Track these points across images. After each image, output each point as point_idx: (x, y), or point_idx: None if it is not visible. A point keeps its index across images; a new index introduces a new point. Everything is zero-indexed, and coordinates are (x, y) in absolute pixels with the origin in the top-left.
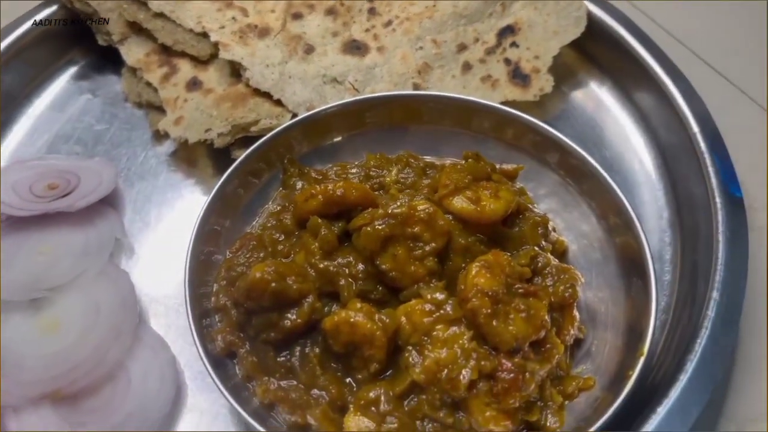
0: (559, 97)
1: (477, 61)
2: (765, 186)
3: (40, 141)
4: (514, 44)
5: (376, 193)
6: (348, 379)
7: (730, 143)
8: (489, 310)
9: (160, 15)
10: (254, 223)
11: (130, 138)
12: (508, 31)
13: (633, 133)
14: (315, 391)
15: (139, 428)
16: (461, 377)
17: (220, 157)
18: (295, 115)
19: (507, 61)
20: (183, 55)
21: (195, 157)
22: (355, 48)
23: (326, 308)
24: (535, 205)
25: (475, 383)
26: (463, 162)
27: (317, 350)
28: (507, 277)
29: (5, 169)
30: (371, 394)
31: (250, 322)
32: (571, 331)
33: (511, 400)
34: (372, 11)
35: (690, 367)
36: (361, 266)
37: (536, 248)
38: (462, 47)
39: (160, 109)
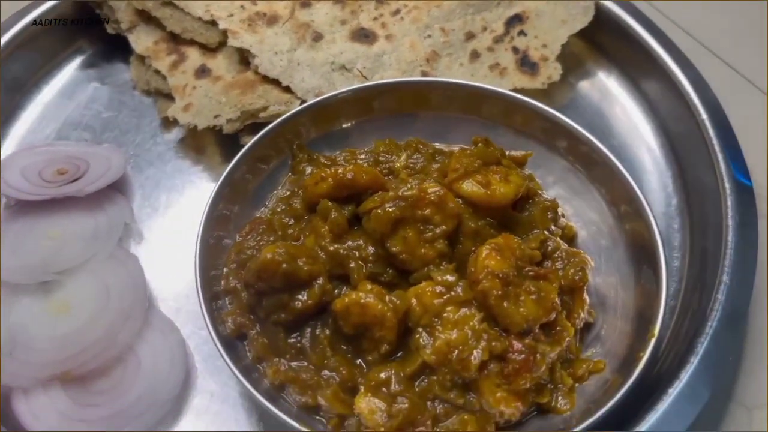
0: (566, 87)
1: (485, 49)
2: None
3: (49, 128)
4: (522, 33)
5: (386, 178)
6: (358, 361)
7: (737, 132)
8: (499, 292)
9: (169, 3)
10: (263, 208)
11: (138, 125)
12: (516, 19)
13: (641, 121)
14: (325, 373)
15: (149, 410)
16: (472, 358)
17: (227, 144)
18: (303, 102)
19: (515, 50)
20: (191, 43)
21: (203, 144)
22: (364, 36)
23: (336, 291)
24: (544, 191)
25: (486, 364)
26: (473, 148)
27: (327, 332)
28: (517, 260)
29: (14, 155)
30: (382, 375)
31: (260, 303)
32: (581, 315)
33: (522, 381)
34: (380, 0)
35: (701, 349)
36: (371, 249)
37: (546, 232)
38: (470, 36)
39: (168, 97)
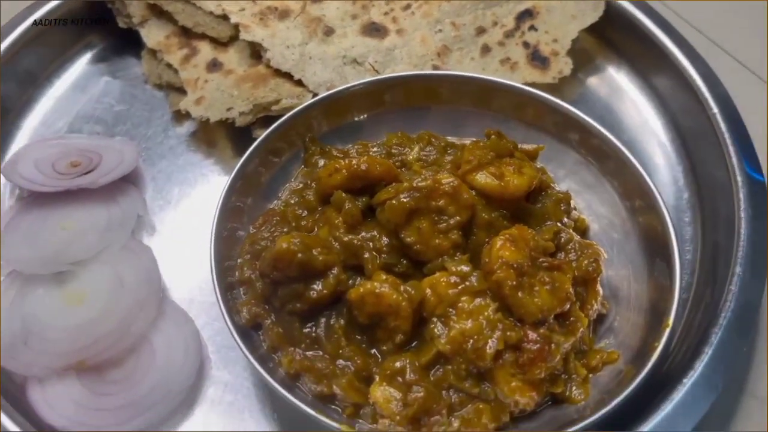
0: (576, 82)
1: (496, 43)
2: None
3: (61, 121)
4: (532, 28)
5: (399, 170)
6: (373, 351)
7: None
8: (514, 282)
9: None
10: (276, 200)
11: (150, 119)
12: (527, 14)
13: (651, 116)
14: (340, 362)
15: (164, 399)
16: (487, 347)
17: (239, 138)
18: (315, 95)
19: (526, 44)
20: (203, 37)
21: (214, 138)
22: (375, 30)
23: (350, 281)
24: (555, 184)
25: (501, 354)
26: (485, 140)
27: (342, 321)
28: (531, 250)
29: (28, 147)
30: (397, 364)
31: (275, 293)
32: (595, 306)
33: (537, 370)
34: None
35: (714, 340)
36: (385, 240)
37: (559, 224)
38: (481, 30)
39: (180, 90)
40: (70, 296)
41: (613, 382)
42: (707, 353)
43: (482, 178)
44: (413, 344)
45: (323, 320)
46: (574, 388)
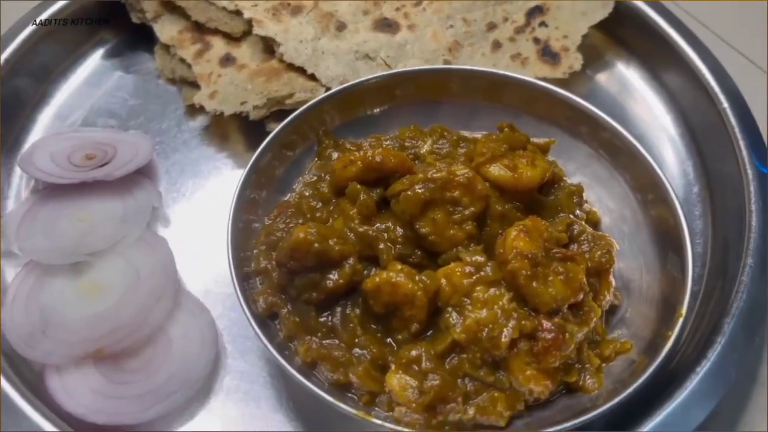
0: (585, 78)
1: (506, 39)
2: None
3: (75, 115)
4: (542, 24)
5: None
6: (388, 340)
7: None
8: (528, 272)
9: None
10: (290, 193)
11: (163, 113)
12: (537, 11)
13: (660, 111)
14: (356, 351)
15: (181, 388)
16: (502, 336)
17: (251, 132)
18: (328, 89)
19: (536, 40)
20: (216, 32)
21: (227, 132)
22: (386, 26)
23: (366, 272)
24: (567, 178)
25: (516, 342)
26: (498, 134)
27: (358, 311)
28: (545, 241)
29: (43, 140)
30: (413, 353)
31: (291, 282)
32: (608, 297)
33: (551, 359)
34: None
35: (727, 330)
36: (399, 231)
37: (571, 216)
38: (491, 26)
39: (193, 85)
40: (87, 286)
41: (626, 371)
42: (720, 342)
43: (496, 170)
44: (428, 333)
45: (339, 310)
46: (587, 377)
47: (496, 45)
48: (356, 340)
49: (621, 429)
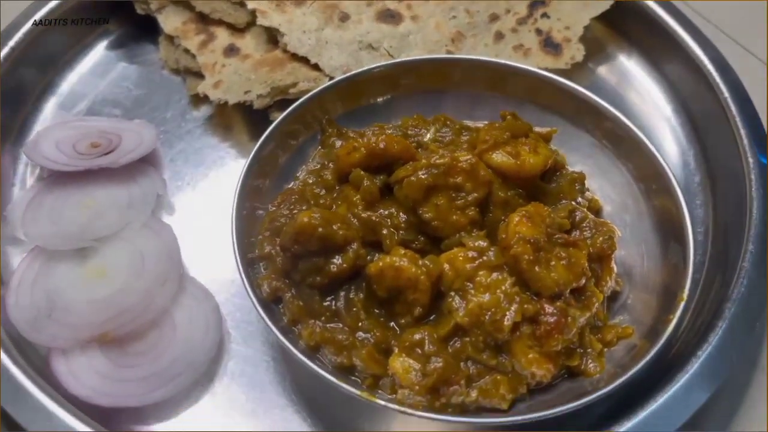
0: (587, 70)
1: (509, 30)
2: None
3: (80, 105)
4: (545, 15)
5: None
6: (391, 324)
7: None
8: (531, 257)
9: None
10: (294, 181)
11: (167, 103)
12: (539, 2)
13: (662, 102)
14: (360, 334)
15: (186, 371)
16: (505, 320)
17: (255, 122)
18: (332, 79)
19: (538, 31)
20: (220, 23)
21: (231, 122)
22: (389, 16)
23: (369, 257)
24: (569, 167)
25: (518, 326)
26: (500, 122)
27: (361, 295)
28: (547, 227)
29: (49, 128)
30: (416, 336)
31: (296, 267)
32: (609, 282)
33: (554, 342)
34: None
35: (728, 315)
36: (403, 216)
37: (573, 203)
38: (494, 17)
39: (197, 75)
40: (92, 271)
41: (627, 356)
42: (721, 327)
43: (498, 157)
44: (431, 318)
45: (343, 294)
46: (589, 361)
47: (499, 36)
48: (359, 323)
49: (622, 412)
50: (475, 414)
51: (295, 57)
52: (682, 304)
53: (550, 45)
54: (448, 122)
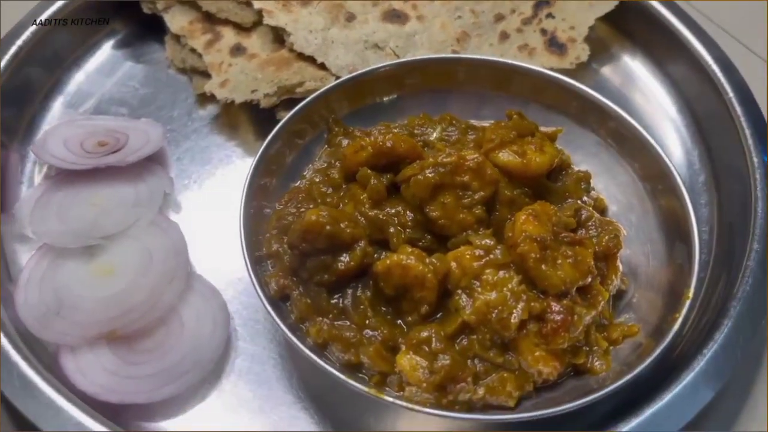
0: (591, 71)
1: (514, 30)
2: None
3: (87, 104)
4: (549, 15)
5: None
6: (398, 322)
7: None
8: (537, 255)
9: None
10: (301, 179)
11: (174, 102)
12: (544, 3)
13: (666, 102)
14: (367, 332)
15: (193, 369)
16: (512, 317)
17: (261, 121)
18: (338, 78)
19: (543, 31)
20: (226, 22)
21: (237, 122)
22: (395, 16)
23: (376, 255)
24: (574, 166)
25: (525, 324)
26: (506, 121)
27: (368, 293)
28: (553, 225)
29: (56, 127)
30: (423, 334)
31: (303, 265)
32: (615, 281)
33: (560, 340)
34: None
35: (734, 313)
36: (409, 215)
37: (579, 202)
38: (499, 17)
39: (204, 74)
40: (100, 269)
41: (632, 354)
42: (727, 325)
43: (505, 156)
44: (438, 316)
45: (350, 292)
46: (595, 359)
47: (504, 36)
48: (367, 321)
49: (628, 410)
50: (482, 411)
51: (302, 56)
52: (687, 303)
53: (555, 45)
54: (454, 121)
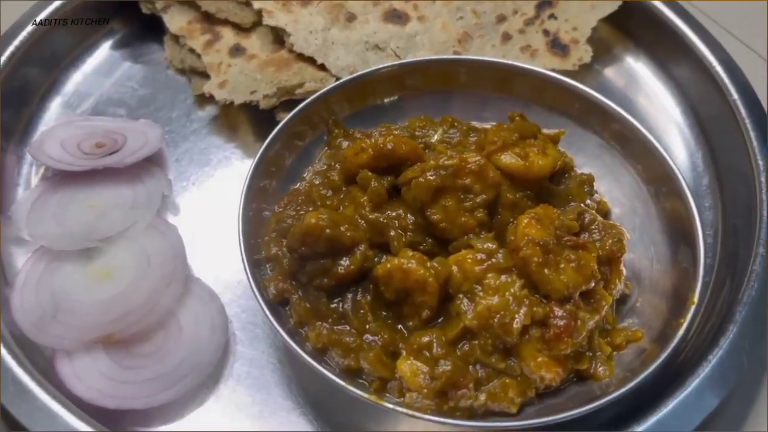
0: (594, 72)
1: (516, 31)
2: None
3: (85, 104)
4: (552, 16)
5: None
6: (399, 327)
7: None
8: (540, 259)
9: None
10: (300, 182)
11: (173, 103)
12: (546, 3)
13: (670, 104)
14: (367, 337)
15: (191, 373)
16: (514, 322)
17: (260, 123)
18: (338, 79)
19: (546, 32)
20: (225, 22)
21: (236, 123)
22: (396, 17)
23: (376, 258)
24: (577, 169)
25: (528, 329)
26: (508, 123)
27: (368, 297)
28: (556, 229)
29: (54, 128)
30: (424, 339)
31: (303, 268)
32: (618, 285)
33: (563, 346)
34: None
35: (739, 318)
36: (410, 218)
37: (582, 205)
38: (501, 18)
39: (203, 75)
40: (97, 272)
41: (636, 360)
42: (732, 331)
43: (507, 158)
44: (439, 320)
45: (350, 296)
46: (598, 365)
47: (506, 37)
48: (367, 326)
49: (631, 416)
50: (483, 418)
51: (302, 57)
52: (692, 308)
53: (558, 46)
54: (455, 123)
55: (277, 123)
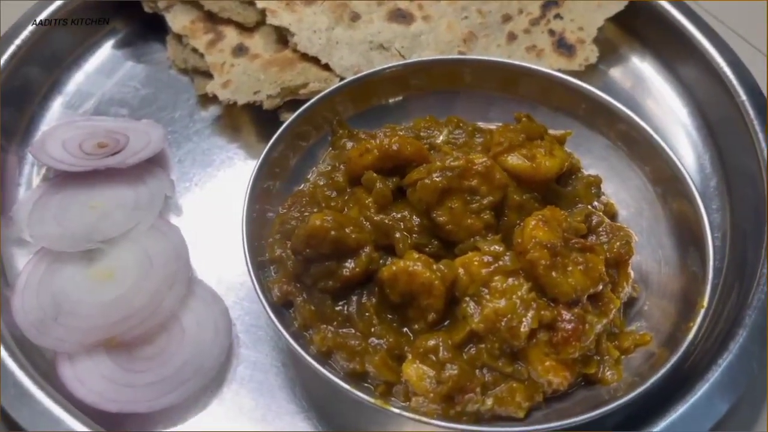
0: (600, 72)
1: (521, 31)
2: None
3: (87, 104)
4: (558, 16)
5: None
6: (404, 330)
7: None
8: (548, 262)
9: None
10: (304, 183)
11: (175, 103)
12: (552, 3)
13: (677, 105)
14: (373, 340)
15: (195, 376)
16: (522, 326)
17: (263, 123)
18: (342, 79)
19: (551, 32)
20: (228, 22)
21: (239, 123)
22: (401, 16)
23: (381, 261)
24: (583, 170)
25: (535, 333)
26: (515, 124)
27: (374, 300)
28: (564, 231)
29: (55, 128)
30: (430, 343)
31: (307, 271)
32: (626, 288)
33: (571, 350)
34: None
35: (749, 322)
36: (416, 220)
37: (590, 207)
38: (507, 18)
39: (205, 75)
40: (99, 273)
41: (645, 364)
42: (742, 335)
43: (514, 159)
44: (445, 323)
45: (355, 299)
46: (606, 369)
47: (512, 36)
48: (372, 329)
49: (640, 421)
50: (490, 423)
51: (305, 57)
52: (702, 312)
53: (564, 46)
54: (461, 124)
55: (281, 123)
